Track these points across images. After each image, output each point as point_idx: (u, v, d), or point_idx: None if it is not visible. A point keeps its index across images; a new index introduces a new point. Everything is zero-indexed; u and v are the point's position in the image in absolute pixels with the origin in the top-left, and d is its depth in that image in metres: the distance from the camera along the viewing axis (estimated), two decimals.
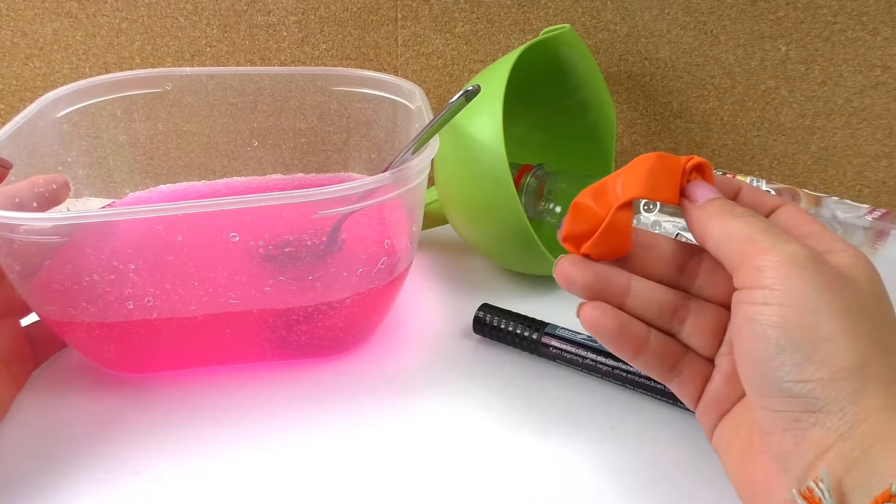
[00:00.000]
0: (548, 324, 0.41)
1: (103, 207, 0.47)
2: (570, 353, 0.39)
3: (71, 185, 0.41)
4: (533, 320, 0.41)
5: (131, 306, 0.35)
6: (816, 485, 0.23)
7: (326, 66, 0.57)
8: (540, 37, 0.49)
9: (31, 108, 0.41)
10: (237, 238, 0.34)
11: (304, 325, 0.38)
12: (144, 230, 0.33)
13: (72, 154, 0.46)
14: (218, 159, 0.52)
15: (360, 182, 0.33)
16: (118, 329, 0.36)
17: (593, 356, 0.39)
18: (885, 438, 0.23)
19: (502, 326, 0.42)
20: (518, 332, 0.41)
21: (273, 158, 0.53)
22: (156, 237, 0.34)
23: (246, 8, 0.55)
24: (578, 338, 0.40)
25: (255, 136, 0.52)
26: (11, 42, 0.57)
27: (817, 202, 0.44)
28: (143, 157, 0.50)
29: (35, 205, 0.38)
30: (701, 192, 0.29)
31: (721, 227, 0.28)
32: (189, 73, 0.48)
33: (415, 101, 0.45)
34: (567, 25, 0.50)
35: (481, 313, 0.42)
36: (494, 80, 0.44)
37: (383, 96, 0.49)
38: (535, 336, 0.41)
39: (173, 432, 0.36)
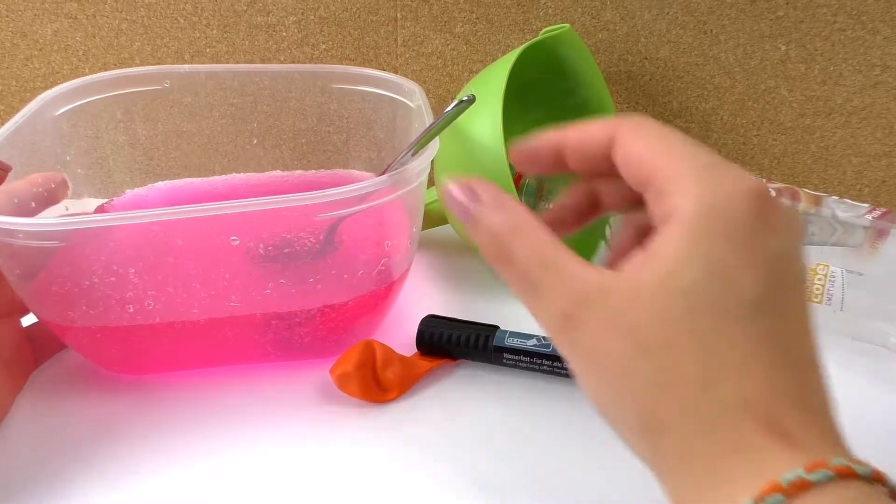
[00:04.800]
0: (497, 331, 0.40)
1: (101, 205, 0.47)
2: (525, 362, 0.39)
3: (70, 183, 0.41)
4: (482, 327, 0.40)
5: (132, 310, 0.35)
6: None
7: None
8: (540, 37, 0.49)
9: (30, 107, 0.41)
10: (237, 242, 0.34)
11: (306, 326, 0.38)
12: (144, 234, 0.33)
13: (70, 153, 0.46)
14: (217, 159, 0.52)
15: (359, 185, 0.33)
16: (119, 332, 0.36)
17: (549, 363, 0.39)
18: (688, 492, 0.21)
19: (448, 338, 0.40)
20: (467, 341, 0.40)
21: (273, 158, 0.53)
22: (155, 241, 0.34)
23: (245, 8, 0.55)
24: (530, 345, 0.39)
25: (254, 135, 0.52)
26: (11, 43, 0.57)
27: (817, 201, 0.44)
28: (142, 156, 0.50)
29: (33, 204, 0.38)
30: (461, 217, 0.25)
31: (511, 287, 0.25)
32: (188, 69, 0.48)
33: (415, 100, 0.45)
34: (567, 25, 0.50)
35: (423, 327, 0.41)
36: (494, 80, 0.44)
37: (383, 94, 0.49)
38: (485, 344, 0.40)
39: (174, 433, 0.36)
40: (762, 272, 0.22)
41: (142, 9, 0.55)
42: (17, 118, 0.40)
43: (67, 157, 0.46)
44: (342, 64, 0.58)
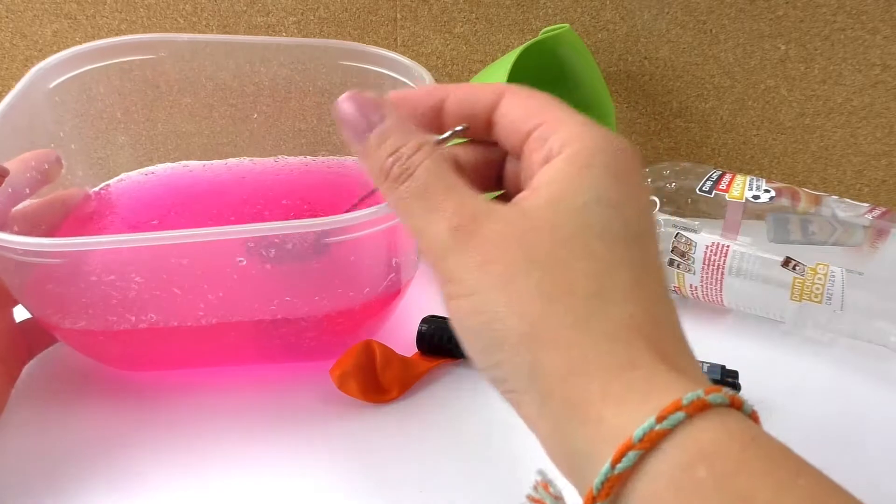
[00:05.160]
0: None
1: (97, 191, 0.46)
2: None
3: (63, 162, 0.40)
4: None
5: (133, 319, 0.34)
6: (535, 489, 0.23)
7: (326, 65, 0.57)
8: (539, 37, 0.49)
9: (23, 82, 0.40)
10: (244, 262, 0.33)
11: (310, 332, 0.38)
12: (146, 251, 0.33)
13: (64, 128, 0.44)
14: (217, 136, 0.50)
15: (370, 210, 0.32)
16: (122, 336, 0.35)
17: None
18: (575, 414, 0.21)
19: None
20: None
21: (275, 138, 0.51)
22: (158, 258, 0.33)
23: (245, 9, 0.55)
24: None
25: (255, 110, 0.50)
26: (11, 43, 0.57)
27: (817, 201, 0.44)
28: (138, 128, 0.49)
29: (28, 191, 0.37)
30: (349, 137, 0.25)
31: (398, 208, 0.24)
32: (187, 39, 0.46)
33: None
34: (566, 25, 0.50)
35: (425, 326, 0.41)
36: (494, 81, 0.44)
37: (387, 75, 0.47)
38: None
39: (174, 433, 0.36)
40: (638, 211, 0.23)
41: (141, 9, 0.55)
42: (11, 96, 0.39)
43: (61, 133, 0.44)
44: (341, 64, 0.57)
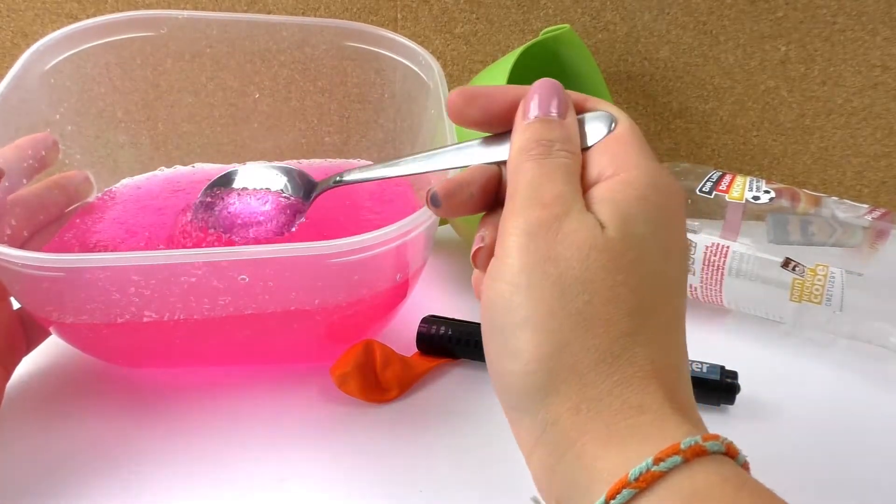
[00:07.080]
0: None
1: (100, 197, 0.46)
2: None
3: (60, 146, 0.40)
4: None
5: (133, 314, 0.34)
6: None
7: (326, 65, 0.57)
8: (540, 37, 0.49)
9: (18, 65, 0.39)
10: (246, 279, 0.33)
11: (312, 334, 0.38)
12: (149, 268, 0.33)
13: (60, 110, 0.44)
14: (215, 137, 0.50)
15: (377, 233, 0.32)
16: (123, 330, 0.35)
17: None
18: (575, 446, 0.21)
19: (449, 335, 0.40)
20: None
21: (276, 137, 0.51)
22: (161, 271, 0.33)
23: (246, 9, 0.55)
24: None
25: (257, 89, 0.50)
26: (12, 43, 0.57)
27: (817, 202, 0.44)
28: (134, 111, 0.48)
29: (24, 181, 0.37)
30: (532, 105, 0.25)
31: (512, 167, 0.25)
32: (185, 16, 0.46)
33: (432, 77, 0.43)
34: (567, 26, 0.50)
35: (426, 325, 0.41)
36: (494, 81, 0.44)
37: (394, 59, 0.47)
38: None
39: (178, 433, 0.36)
40: (681, 257, 0.24)
41: (142, 8, 0.55)
42: (5, 80, 0.38)
43: (57, 116, 0.44)
44: (342, 64, 0.57)
